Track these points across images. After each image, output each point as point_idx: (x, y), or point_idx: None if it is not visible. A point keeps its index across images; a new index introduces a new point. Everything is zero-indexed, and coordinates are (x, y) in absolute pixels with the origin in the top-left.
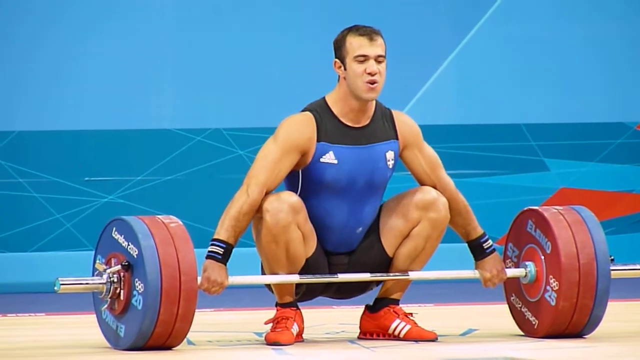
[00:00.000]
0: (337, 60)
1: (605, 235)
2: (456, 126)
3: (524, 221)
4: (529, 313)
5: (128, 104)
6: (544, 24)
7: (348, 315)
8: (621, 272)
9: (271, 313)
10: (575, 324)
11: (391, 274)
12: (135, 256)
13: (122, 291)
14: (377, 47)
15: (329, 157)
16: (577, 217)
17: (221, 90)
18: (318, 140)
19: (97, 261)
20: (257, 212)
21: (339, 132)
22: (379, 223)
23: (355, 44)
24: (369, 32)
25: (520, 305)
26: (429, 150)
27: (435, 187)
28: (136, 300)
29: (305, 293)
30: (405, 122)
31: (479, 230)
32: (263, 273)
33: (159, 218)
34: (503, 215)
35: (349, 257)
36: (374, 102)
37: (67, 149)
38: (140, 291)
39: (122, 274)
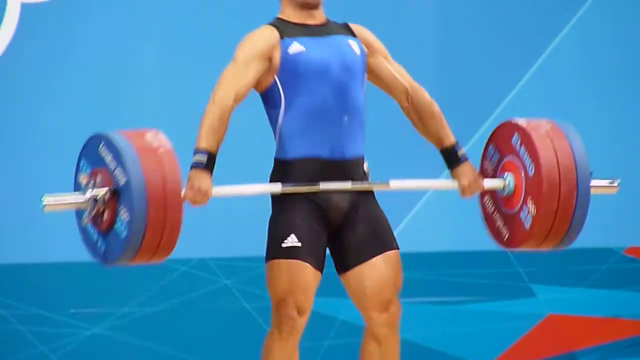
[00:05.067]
0: None
1: None
2: (439, 253)
3: (510, 133)
4: (501, 222)
5: None
6: None
7: None
8: (597, 188)
9: None
10: (545, 246)
11: (373, 182)
12: (122, 184)
13: (105, 212)
14: None
15: (296, 47)
16: (565, 143)
17: (206, 220)
18: (281, 38)
19: (81, 172)
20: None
21: (299, 29)
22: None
23: None
24: None
25: (493, 211)
26: (395, 62)
27: (407, 92)
28: (119, 228)
29: None
30: (365, 29)
31: (452, 138)
32: None
33: (148, 140)
34: (488, 343)
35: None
36: (321, 11)
37: (52, 280)
38: (124, 220)
39: (106, 197)
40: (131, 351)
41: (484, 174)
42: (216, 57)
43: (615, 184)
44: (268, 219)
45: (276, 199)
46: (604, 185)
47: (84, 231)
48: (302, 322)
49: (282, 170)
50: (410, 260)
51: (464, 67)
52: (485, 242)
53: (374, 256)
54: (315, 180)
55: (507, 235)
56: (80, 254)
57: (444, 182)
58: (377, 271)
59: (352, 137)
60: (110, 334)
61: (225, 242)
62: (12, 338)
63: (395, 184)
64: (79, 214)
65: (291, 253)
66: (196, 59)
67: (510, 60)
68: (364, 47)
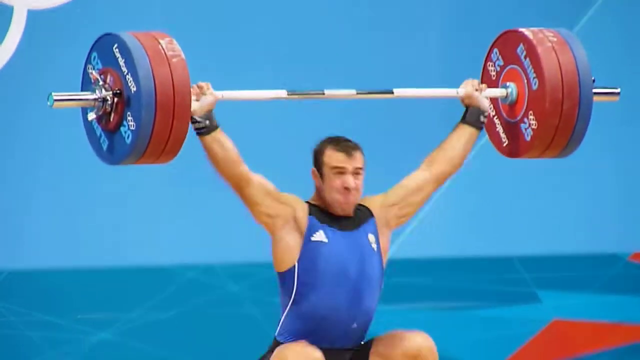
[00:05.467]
0: (314, 169)
1: None
2: (445, 259)
3: (516, 42)
4: (501, 128)
5: (119, 240)
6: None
7: None
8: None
9: None
10: (544, 156)
11: (374, 92)
12: (132, 92)
13: (112, 114)
14: (355, 161)
15: (320, 236)
16: (570, 57)
17: (213, 224)
18: (309, 214)
19: (91, 65)
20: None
21: (326, 216)
22: None
23: (334, 158)
24: (347, 148)
25: (494, 115)
26: (395, 188)
27: (432, 174)
28: (125, 133)
29: None
30: (370, 199)
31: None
32: None
33: (162, 49)
34: (495, 348)
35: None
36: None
37: (58, 287)
38: (131, 128)
39: (116, 99)
40: (138, 356)
41: (486, 76)
42: (222, 66)
43: (617, 91)
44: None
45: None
46: (606, 92)
47: (89, 126)
48: None
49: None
50: (415, 267)
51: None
52: (490, 247)
53: (373, 341)
54: None
55: (506, 143)
56: (88, 259)
57: (447, 91)
58: (386, 337)
59: (356, 339)
60: (118, 339)
61: (232, 247)
62: (21, 344)
63: (399, 92)
64: (86, 110)
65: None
66: (203, 68)
67: None
68: (377, 221)
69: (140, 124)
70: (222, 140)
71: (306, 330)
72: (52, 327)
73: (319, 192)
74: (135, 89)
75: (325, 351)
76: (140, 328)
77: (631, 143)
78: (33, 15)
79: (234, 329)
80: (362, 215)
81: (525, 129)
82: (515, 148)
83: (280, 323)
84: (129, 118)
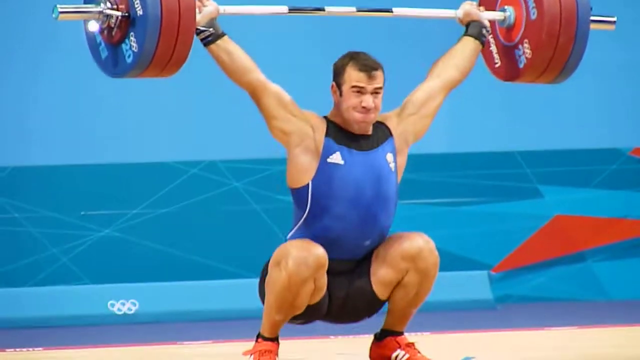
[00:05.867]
0: (334, 84)
1: (601, 261)
2: (448, 154)
3: None
4: (495, 48)
5: (122, 137)
6: None
7: (346, 345)
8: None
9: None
10: (534, 82)
11: (374, 10)
12: (138, 15)
13: (115, 30)
14: (375, 81)
15: (336, 158)
16: None
17: (216, 122)
18: (326, 135)
19: None
20: (279, 252)
21: (344, 135)
22: (370, 269)
23: (354, 77)
24: (368, 68)
25: (490, 34)
26: (409, 101)
27: (442, 82)
28: (126, 52)
29: (306, 315)
30: (387, 116)
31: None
32: (261, 292)
33: None
34: (497, 243)
35: (346, 290)
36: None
37: (62, 183)
38: (133, 49)
39: (120, 18)
40: (141, 252)
41: (485, 1)
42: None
43: (613, 19)
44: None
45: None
46: (602, 20)
47: (91, 36)
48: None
49: None
50: (418, 162)
51: None
52: (494, 143)
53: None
54: None
55: (498, 64)
56: (91, 157)
57: (446, 11)
58: (386, 245)
59: (370, 248)
60: (120, 235)
61: (235, 144)
62: (24, 240)
63: (398, 11)
64: (88, 21)
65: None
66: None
67: None
68: (396, 140)
69: (143, 47)
70: (229, 49)
71: (318, 244)
72: (55, 224)
73: (337, 107)
74: (141, 12)
75: (334, 261)
76: (143, 224)
77: (637, 37)
78: None
79: (237, 224)
80: (381, 135)
81: (519, 56)
82: (507, 72)
83: (293, 231)
84: (132, 39)
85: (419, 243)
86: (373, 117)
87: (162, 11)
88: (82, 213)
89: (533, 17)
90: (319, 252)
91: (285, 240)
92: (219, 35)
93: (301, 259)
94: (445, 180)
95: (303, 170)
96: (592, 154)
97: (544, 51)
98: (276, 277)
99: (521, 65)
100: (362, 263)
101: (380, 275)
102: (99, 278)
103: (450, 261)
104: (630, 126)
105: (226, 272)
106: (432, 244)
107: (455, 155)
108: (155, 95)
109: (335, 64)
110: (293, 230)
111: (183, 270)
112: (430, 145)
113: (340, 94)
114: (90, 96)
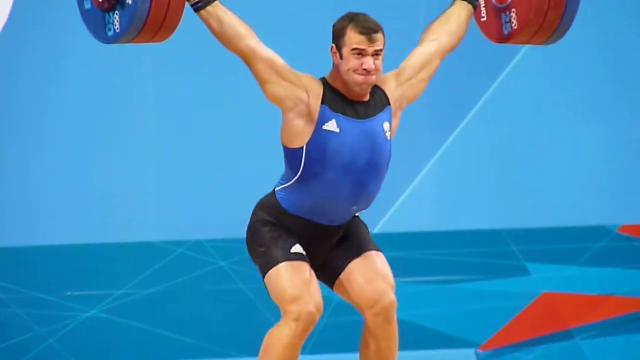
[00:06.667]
0: (333, 45)
1: (590, 339)
2: (435, 233)
3: None
4: (483, 3)
5: (108, 216)
6: (522, 128)
7: None
8: None
9: None
10: (515, 43)
11: None
12: None
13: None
14: (375, 43)
15: (331, 125)
16: None
17: (202, 201)
18: (322, 102)
19: None
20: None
21: (340, 101)
22: (340, 272)
23: (355, 39)
24: (368, 30)
25: None
26: (406, 65)
27: (438, 46)
28: (113, 22)
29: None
30: (385, 80)
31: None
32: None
33: None
34: (484, 321)
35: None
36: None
37: (47, 263)
38: (116, 27)
39: None
40: (127, 333)
41: None
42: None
43: None
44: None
45: (264, 223)
46: None
47: (80, 2)
48: (317, 317)
49: (278, 210)
50: (405, 240)
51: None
52: (479, 221)
53: (351, 261)
54: (306, 233)
55: (484, 20)
56: (77, 236)
57: None
58: (357, 271)
59: (356, 212)
60: (107, 316)
61: (221, 223)
62: (10, 321)
63: None
64: None
65: (301, 257)
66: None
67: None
68: (392, 105)
69: (135, 11)
70: (218, 15)
71: (306, 205)
72: (41, 304)
73: (336, 69)
74: None
75: (323, 227)
76: (129, 304)
77: (620, 115)
78: None
79: (223, 303)
80: (378, 102)
81: (505, 23)
82: (491, 32)
83: (283, 186)
84: (116, 14)
85: (380, 290)
86: (374, 78)
87: None
88: (68, 293)
89: None
90: (318, 305)
91: (273, 192)
92: (208, 1)
93: (306, 315)
94: (432, 257)
95: (297, 133)
96: (579, 231)
97: (530, 27)
98: (280, 335)
99: (505, 32)
100: (341, 247)
101: (341, 287)
102: (86, 359)
103: (437, 339)
104: (618, 203)
105: (213, 351)
106: (391, 297)
107: (442, 233)
108: (141, 175)
109: (334, 26)
110: (282, 186)
111: (170, 350)
112: (417, 224)
113: (341, 57)
114: (76, 176)
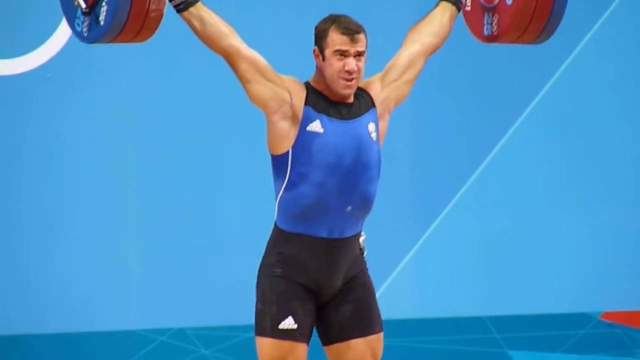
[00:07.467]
0: (316, 48)
1: None
2: (416, 320)
3: None
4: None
5: (89, 304)
6: (503, 216)
7: None
8: None
9: None
10: (494, 41)
11: None
12: None
13: None
14: (357, 44)
15: (315, 126)
16: None
17: (184, 289)
18: (305, 104)
19: None
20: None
21: (324, 103)
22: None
23: (337, 40)
24: (350, 31)
25: None
26: (391, 67)
27: (422, 47)
28: (100, 16)
29: None
30: (370, 83)
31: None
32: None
33: None
34: None
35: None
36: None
37: (26, 353)
38: (104, 13)
39: None
40: None
41: None
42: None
43: None
44: (255, 283)
45: (269, 271)
46: None
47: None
48: None
49: (280, 238)
50: (386, 327)
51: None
52: (462, 308)
53: (354, 338)
54: (310, 257)
55: (469, 10)
56: (57, 325)
57: None
58: (355, 353)
59: (354, 222)
60: None
61: (203, 311)
62: None
63: None
64: None
65: (288, 335)
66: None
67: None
68: (378, 107)
69: (116, 10)
70: (201, 16)
71: (301, 215)
72: None
73: (320, 72)
74: None
75: (324, 242)
76: None
77: (601, 200)
78: None
79: None
80: (363, 104)
81: (486, 25)
82: (472, 27)
83: (277, 208)
84: (104, 7)
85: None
86: (356, 80)
87: None
88: None
89: (509, 2)
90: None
91: (274, 223)
92: (191, 2)
93: None
94: (413, 345)
95: (283, 136)
96: (562, 318)
97: (510, 36)
98: None
99: (486, 34)
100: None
101: (335, 354)
102: None
103: None
104: (599, 290)
105: None
106: None
107: (422, 320)
108: (123, 262)
109: (316, 28)
110: (277, 205)
111: None
112: (398, 311)
113: (323, 59)
114: (59, 263)
